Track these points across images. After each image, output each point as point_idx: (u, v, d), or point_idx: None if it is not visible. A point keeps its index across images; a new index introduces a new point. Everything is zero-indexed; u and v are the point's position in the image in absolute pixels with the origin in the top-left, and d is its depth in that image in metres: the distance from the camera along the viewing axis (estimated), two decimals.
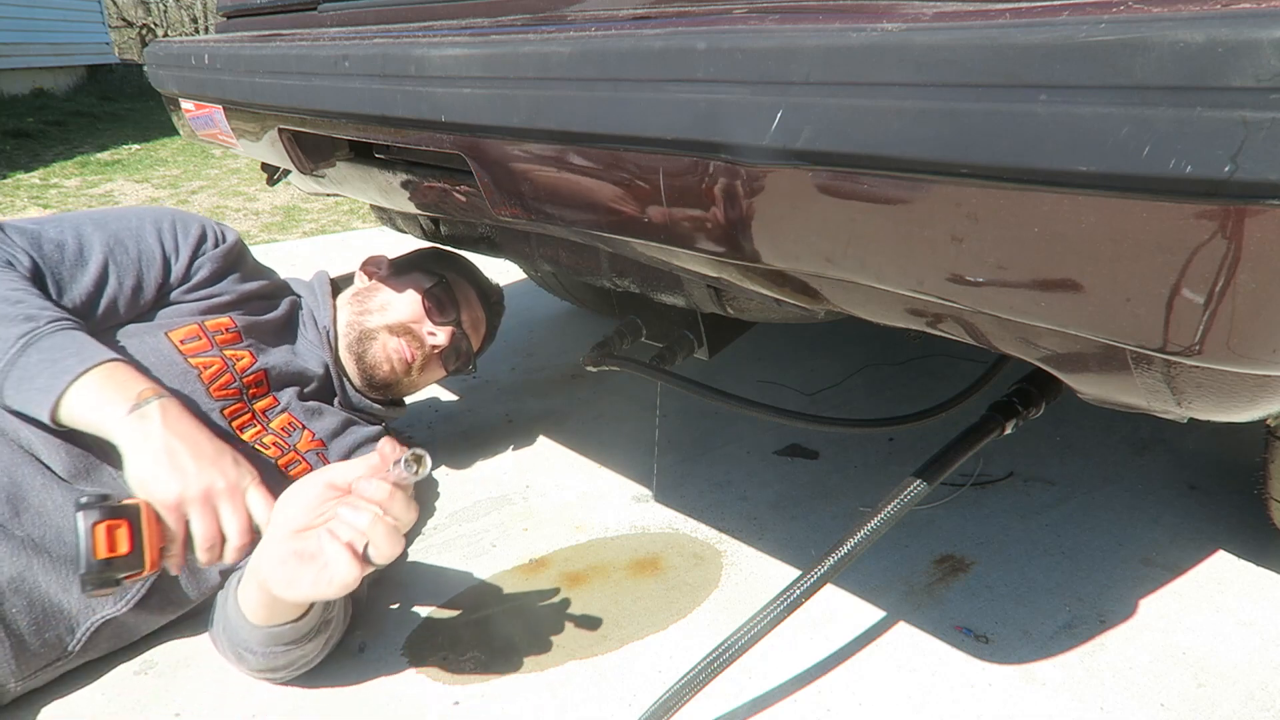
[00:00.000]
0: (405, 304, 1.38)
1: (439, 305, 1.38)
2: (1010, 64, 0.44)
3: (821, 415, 1.18)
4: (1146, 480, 1.47)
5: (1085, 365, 0.59)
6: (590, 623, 1.17)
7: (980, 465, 1.52)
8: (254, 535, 0.94)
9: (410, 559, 1.36)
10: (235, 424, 1.20)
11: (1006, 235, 0.49)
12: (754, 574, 1.28)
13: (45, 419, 0.96)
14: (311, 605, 0.97)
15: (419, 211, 1.21)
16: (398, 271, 1.45)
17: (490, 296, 1.53)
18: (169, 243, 1.24)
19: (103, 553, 0.84)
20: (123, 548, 0.86)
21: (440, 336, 1.37)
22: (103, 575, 0.85)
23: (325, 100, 0.95)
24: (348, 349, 1.35)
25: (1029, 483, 1.48)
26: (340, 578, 0.82)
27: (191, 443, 0.95)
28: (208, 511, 0.92)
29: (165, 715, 1.05)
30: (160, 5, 15.70)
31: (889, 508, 0.90)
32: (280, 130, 1.14)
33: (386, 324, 1.35)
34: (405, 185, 1.11)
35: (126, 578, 0.87)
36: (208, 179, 5.14)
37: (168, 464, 0.92)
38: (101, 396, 0.94)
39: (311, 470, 1.26)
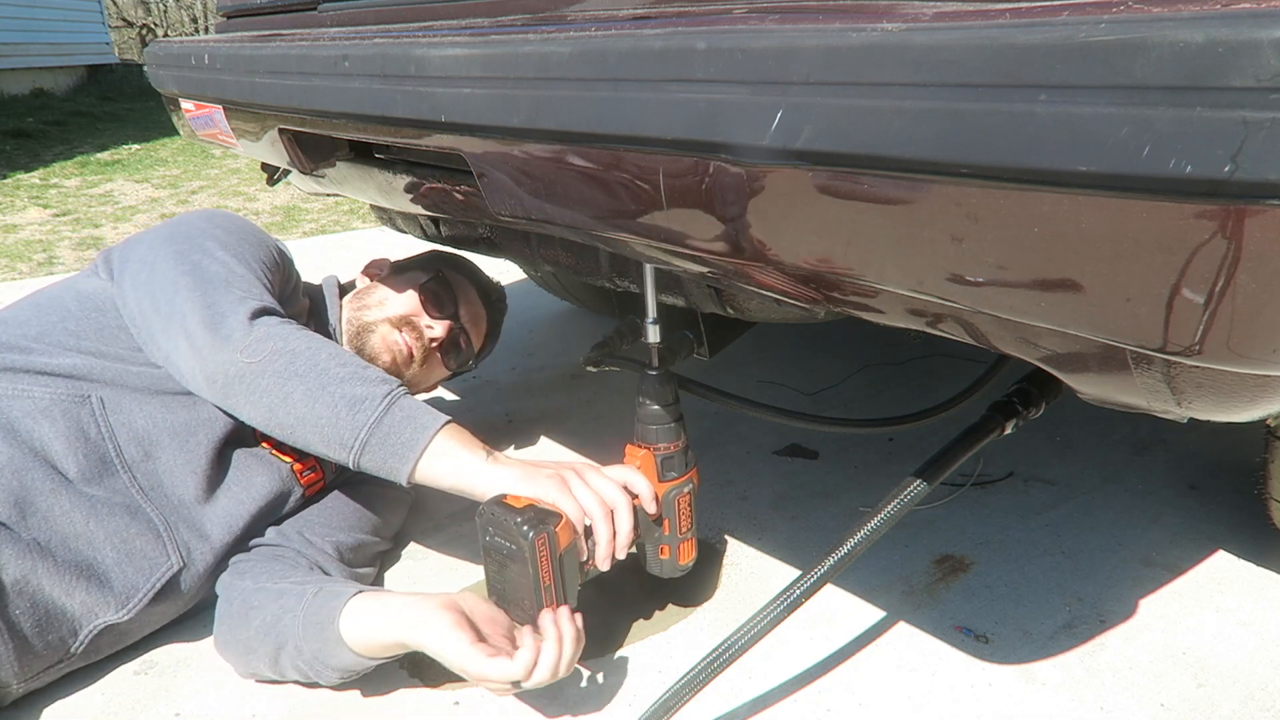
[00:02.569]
0: (402, 298, 1.38)
1: (436, 299, 1.38)
2: (1010, 64, 0.44)
3: (822, 415, 1.18)
4: (1146, 480, 1.47)
5: (1085, 365, 0.59)
6: (590, 623, 1.17)
7: (980, 465, 1.52)
8: (628, 495, 1.00)
9: (411, 559, 1.36)
10: (259, 430, 1.20)
11: (1006, 235, 0.49)
12: (754, 574, 1.28)
13: (404, 475, 0.98)
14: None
15: (419, 211, 1.21)
16: (397, 272, 1.45)
17: (491, 294, 1.53)
18: (280, 271, 1.27)
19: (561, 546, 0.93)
20: (565, 539, 0.94)
21: (438, 329, 1.36)
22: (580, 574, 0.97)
23: (325, 100, 0.95)
24: (349, 343, 1.35)
25: (1029, 483, 1.48)
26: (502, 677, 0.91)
27: (533, 465, 1.01)
28: (581, 489, 0.97)
29: (165, 715, 1.05)
30: (160, 5, 15.70)
31: (889, 508, 0.90)
32: (280, 130, 1.14)
33: (385, 316, 1.35)
34: (405, 185, 1.11)
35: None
36: (208, 179, 5.14)
37: (532, 478, 0.97)
38: (464, 450, 0.99)
39: (322, 477, 1.27)
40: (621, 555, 0.99)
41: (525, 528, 0.89)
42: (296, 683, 1.08)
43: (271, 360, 1.01)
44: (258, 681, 1.10)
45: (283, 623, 1.03)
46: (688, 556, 1.10)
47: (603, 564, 0.98)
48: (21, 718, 1.04)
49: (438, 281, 1.40)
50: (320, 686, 1.07)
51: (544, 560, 0.90)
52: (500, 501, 0.93)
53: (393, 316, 1.35)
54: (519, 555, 0.90)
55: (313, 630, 1.00)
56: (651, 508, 1.03)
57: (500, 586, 0.96)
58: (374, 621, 0.98)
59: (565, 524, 0.93)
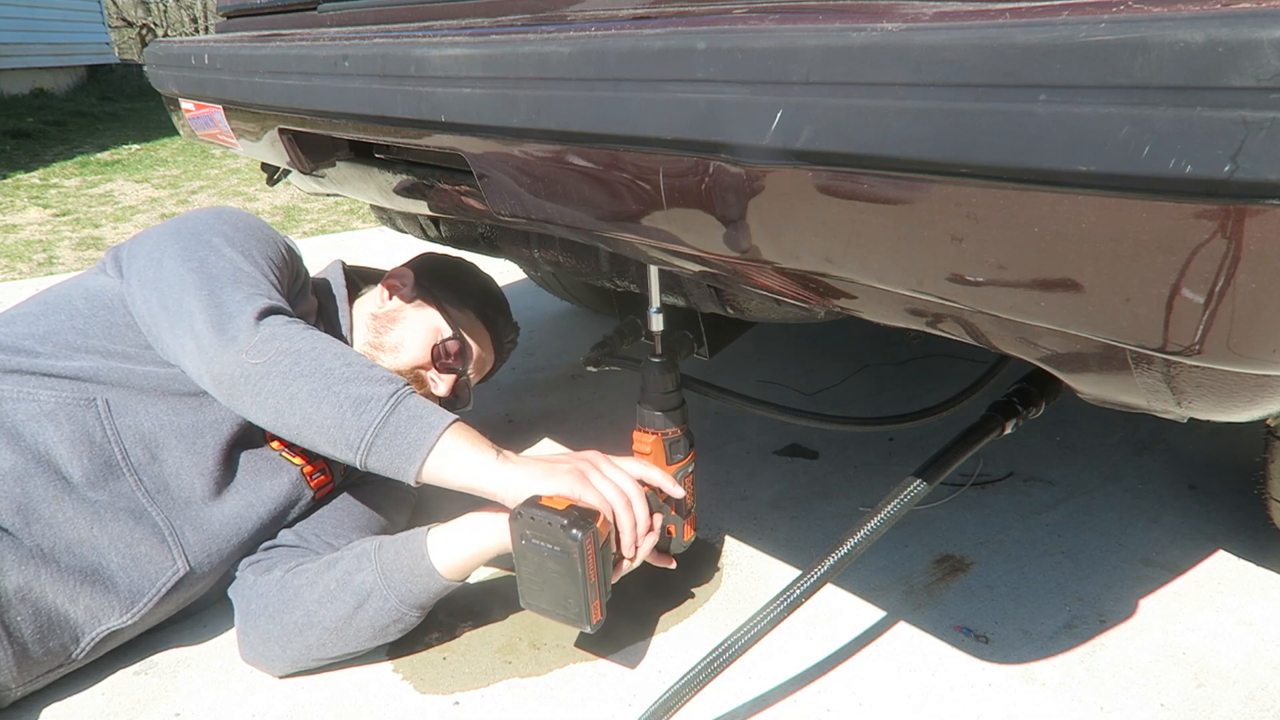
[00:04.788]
0: (416, 350, 1.33)
1: (447, 358, 1.35)
2: (1010, 64, 0.44)
3: (823, 413, 1.18)
4: (1146, 480, 1.47)
5: (1085, 365, 0.59)
6: None
7: (980, 465, 1.52)
8: (644, 485, 1.04)
9: None
10: (268, 433, 1.20)
11: (1006, 235, 0.49)
12: (754, 574, 1.28)
13: (411, 475, 0.98)
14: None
15: (419, 211, 1.21)
16: (420, 295, 1.38)
17: (504, 337, 1.48)
18: (288, 268, 1.26)
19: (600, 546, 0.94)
20: (604, 533, 0.95)
21: (442, 387, 1.34)
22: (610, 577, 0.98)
23: (325, 100, 0.95)
24: None
25: (1029, 483, 1.48)
26: None
27: (548, 460, 1.03)
28: (600, 481, 1.00)
29: (165, 715, 1.05)
30: (160, 5, 15.71)
31: (889, 508, 0.90)
32: (280, 130, 1.14)
33: (396, 367, 1.31)
34: (405, 185, 1.11)
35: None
36: (208, 179, 5.14)
37: (551, 475, 0.98)
38: (472, 448, 1.00)
39: (331, 480, 1.26)
40: (642, 544, 1.01)
41: (574, 530, 0.90)
42: (293, 685, 1.08)
43: (277, 361, 1.01)
44: (280, 678, 1.10)
45: (356, 581, 1.06)
46: (689, 534, 1.14)
47: (627, 551, 1.00)
48: (22, 717, 1.04)
49: (455, 341, 1.36)
50: (321, 686, 1.08)
51: (590, 558, 0.91)
52: (536, 503, 0.94)
53: (403, 369, 1.31)
54: (564, 557, 0.91)
55: (400, 574, 1.05)
56: (678, 492, 1.06)
57: (538, 587, 0.96)
58: (462, 541, 1.05)
59: (603, 519, 0.95)
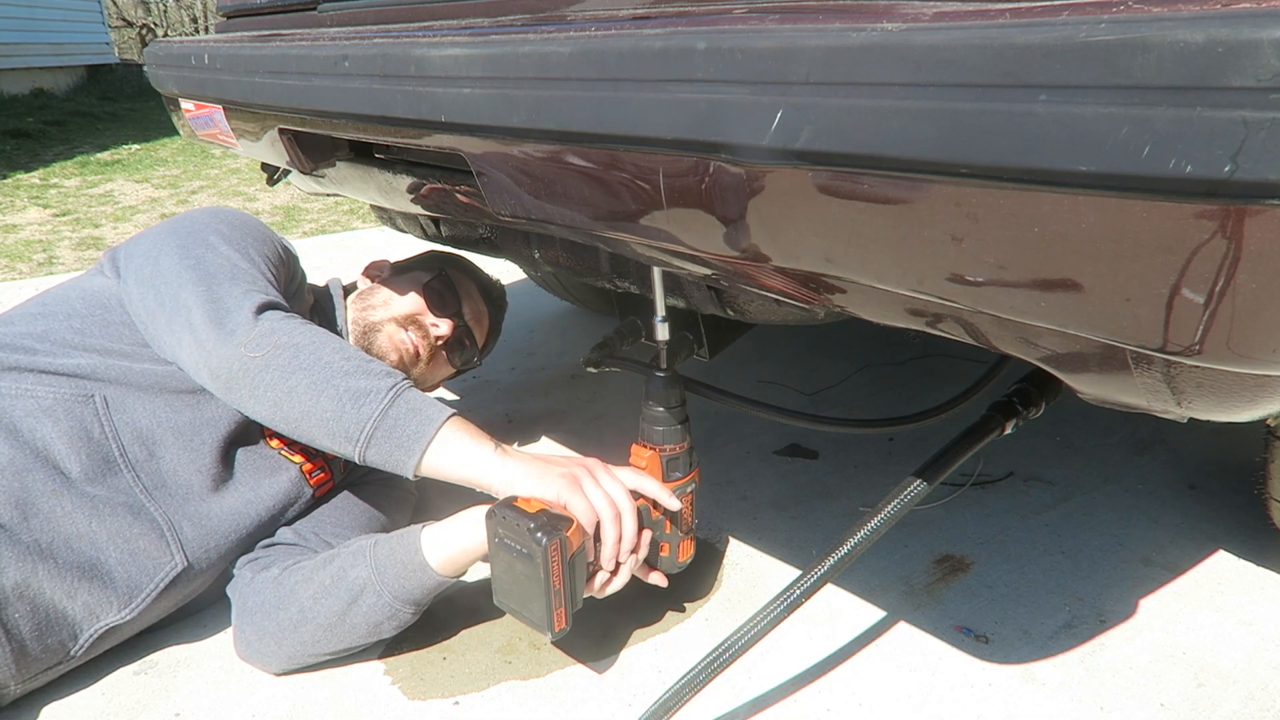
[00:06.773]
0: (407, 297, 1.38)
1: (439, 297, 1.39)
2: (1010, 64, 0.44)
3: (822, 415, 1.18)
4: (1146, 480, 1.47)
5: (1085, 365, 0.59)
6: (590, 623, 1.17)
7: (980, 465, 1.52)
8: (635, 499, 1.01)
9: None
10: (266, 431, 1.20)
11: (1006, 235, 0.49)
12: (754, 574, 1.28)
13: (410, 468, 0.98)
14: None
15: (419, 211, 1.21)
16: (398, 273, 1.45)
17: (492, 292, 1.53)
18: (285, 267, 1.27)
19: (569, 552, 0.93)
20: (576, 542, 0.94)
21: (443, 327, 1.36)
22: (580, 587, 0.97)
23: (325, 100, 0.95)
24: (355, 344, 1.34)
25: (1029, 483, 1.48)
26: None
27: (543, 460, 1.02)
28: (593, 489, 0.98)
29: (165, 715, 1.05)
30: (160, 5, 15.71)
31: (889, 508, 0.90)
32: (280, 130, 1.14)
33: (390, 315, 1.35)
34: (405, 185, 1.11)
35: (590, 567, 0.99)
36: (208, 179, 5.14)
37: (543, 475, 0.98)
38: (471, 441, 1.00)
39: (331, 478, 1.27)
40: (624, 559, 0.99)
41: (539, 534, 0.89)
42: (293, 685, 1.08)
43: (275, 355, 1.01)
44: (277, 676, 1.10)
45: (350, 576, 1.05)
46: (686, 554, 1.11)
47: (607, 564, 0.99)
48: (21, 718, 1.04)
49: (441, 280, 1.41)
50: (320, 686, 1.08)
51: (555, 565, 0.90)
52: (511, 504, 0.94)
53: (398, 315, 1.35)
54: (530, 559, 0.91)
55: (393, 570, 1.04)
56: (673, 505, 1.03)
57: (508, 586, 0.96)
58: (455, 537, 1.03)
59: (576, 528, 0.93)
